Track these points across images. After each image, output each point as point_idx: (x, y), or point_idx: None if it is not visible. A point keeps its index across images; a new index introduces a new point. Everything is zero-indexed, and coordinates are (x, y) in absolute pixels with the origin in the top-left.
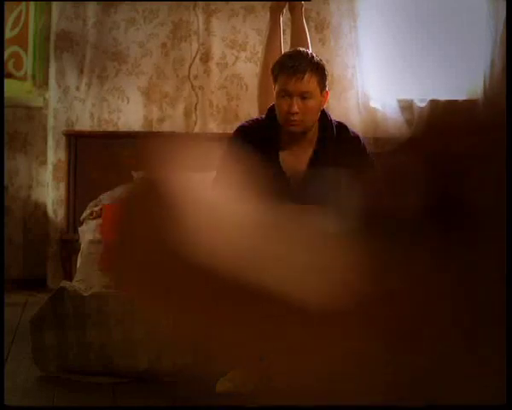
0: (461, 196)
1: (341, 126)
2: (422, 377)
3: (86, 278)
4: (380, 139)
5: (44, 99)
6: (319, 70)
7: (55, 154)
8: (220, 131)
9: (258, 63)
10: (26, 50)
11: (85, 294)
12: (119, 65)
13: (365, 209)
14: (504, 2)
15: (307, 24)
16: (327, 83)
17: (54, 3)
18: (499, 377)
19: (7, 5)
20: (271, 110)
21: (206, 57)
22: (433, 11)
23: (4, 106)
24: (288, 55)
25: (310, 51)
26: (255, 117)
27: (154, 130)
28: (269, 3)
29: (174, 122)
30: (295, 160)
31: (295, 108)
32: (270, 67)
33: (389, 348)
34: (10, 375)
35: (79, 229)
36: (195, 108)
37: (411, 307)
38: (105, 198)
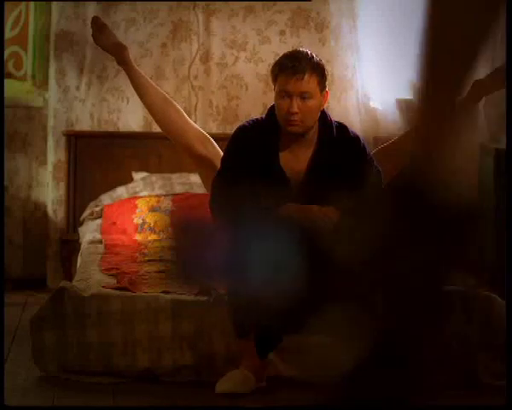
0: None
1: (341, 127)
2: None
3: (86, 278)
4: (380, 139)
5: (44, 99)
6: (319, 70)
7: (55, 154)
8: (220, 132)
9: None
10: (26, 50)
11: (85, 294)
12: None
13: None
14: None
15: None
16: (327, 83)
17: (54, 3)
18: None
19: (7, 5)
20: (271, 110)
21: (205, 57)
22: None
23: (4, 106)
24: (287, 56)
25: (309, 51)
26: (255, 117)
27: (153, 130)
28: (269, 3)
29: None
30: (295, 160)
31: (295, 109)
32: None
33: None
34: (10, 375)
35: (79, 229)
36: (195, 109)
37: None
38: (105, 198)
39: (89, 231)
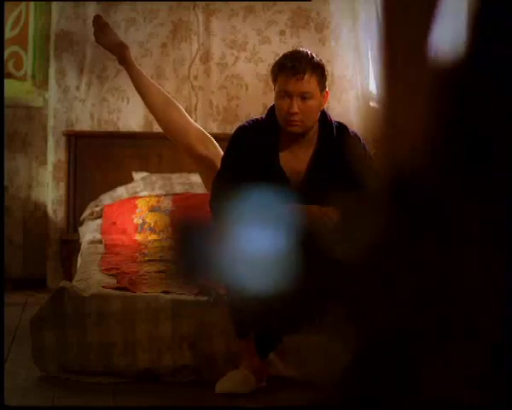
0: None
1: (341, 126)
2: None
3: (86, 278)
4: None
5: (44, 99)
6: (319, 70)
7: (55, 154)
8: (220, 132)
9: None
10: (26, 50)
11: (85, 294)
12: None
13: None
14: None
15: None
16: (327, 83)
17: (54, 3)
18: None
19: (7, 5)
20: (271, 110)
21: (206, 57)
22: None
23: (4, 106)
24: (287, 56)
25: (309, 51)
26: (255, 117)
27: (153, 130)
28: (269, 3)
29: None
30: (295, 160)
31: (295, 109)
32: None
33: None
34: (10, 375)
35: (79, 229)
36: (195, 109)
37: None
38: (105, 198)
39: (89, 231)
